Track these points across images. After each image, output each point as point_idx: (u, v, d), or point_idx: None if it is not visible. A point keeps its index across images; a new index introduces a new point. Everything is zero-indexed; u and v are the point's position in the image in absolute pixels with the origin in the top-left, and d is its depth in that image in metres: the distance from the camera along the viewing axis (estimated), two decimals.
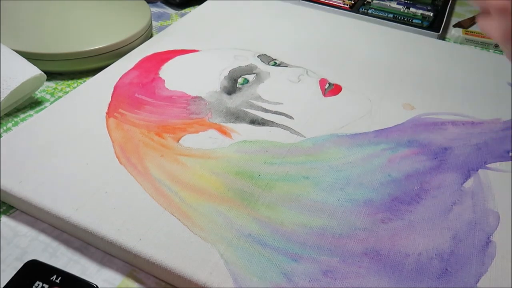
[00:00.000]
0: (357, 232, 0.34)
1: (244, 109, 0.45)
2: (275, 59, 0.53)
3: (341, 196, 0.37)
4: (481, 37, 0.65)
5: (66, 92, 0.49)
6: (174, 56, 0.52)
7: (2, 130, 0.43)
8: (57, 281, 0.29)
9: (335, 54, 0.56)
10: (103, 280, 0.31)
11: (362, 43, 0.59)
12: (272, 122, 0.44)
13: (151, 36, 0.60)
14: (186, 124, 0.43)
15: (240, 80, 0.49)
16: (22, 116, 0.45)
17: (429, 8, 0.70)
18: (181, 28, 0.59)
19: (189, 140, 0.41)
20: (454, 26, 0.69)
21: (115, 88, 0.46)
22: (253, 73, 0.50)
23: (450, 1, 0.75)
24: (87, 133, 0.41)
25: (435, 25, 0.66)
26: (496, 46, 0.64)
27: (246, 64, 0.51)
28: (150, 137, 0.41)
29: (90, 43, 0.51)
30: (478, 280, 0.31)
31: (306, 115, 0.45)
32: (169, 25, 0.62)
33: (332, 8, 0.68)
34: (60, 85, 0.50)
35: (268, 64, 0.52)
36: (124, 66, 0.50)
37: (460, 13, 0.74)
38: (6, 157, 0.37)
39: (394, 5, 0.69)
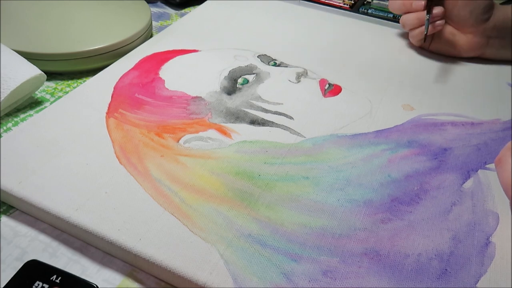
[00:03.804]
0: (357, 232, 0.34)
1: (244, 109, 0.45)
2: (275, 59, 0.53)
3: (341, 196, 0.37)
4: None
5: (66, 92, 0.49)
6: (174, 56, 0.52)
7: (2, 130, 0.43)
8: (57, 281, 0.30)
9: (335, 54, 0.56)
10: (103, 280, 0.31)
11: (362, 43, 0.59)
12: (272, 122, 0.44)
13: (151, 36, 0.60)
14: (186, 124, 0.43)
15: (240, 80, 0.49)
16: (22, 116, 0.45)
17: None
18: (181, 28, 0.59)
19: (189, 140, 0.41)
20: None
21: (115, 88, 0.46)
22: (253, 73, 0.50)
23: None
24: (87, 133, 0.41)
25: None
26: None
27: (246, 64, 0.52)
28: (150, 137, 0.41)
29: (90, 43, 0.51)
30: (478, 280, 0.31)
31: (306, 116, 0.45)
32: (169, 25, 0.62)
33: (332, 8, 0.68)
34: (60, 85, 0.50)
35: (268, 64, 0.52)
36: (124, 66, 0.50)
37: None
38: (6, 157, 0.37)
39: None
